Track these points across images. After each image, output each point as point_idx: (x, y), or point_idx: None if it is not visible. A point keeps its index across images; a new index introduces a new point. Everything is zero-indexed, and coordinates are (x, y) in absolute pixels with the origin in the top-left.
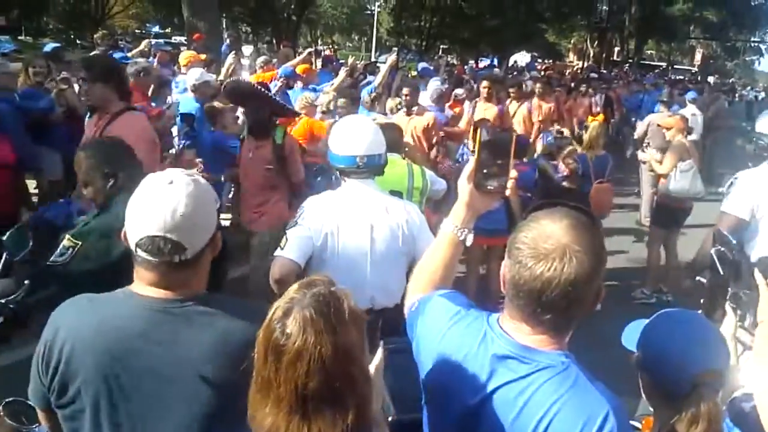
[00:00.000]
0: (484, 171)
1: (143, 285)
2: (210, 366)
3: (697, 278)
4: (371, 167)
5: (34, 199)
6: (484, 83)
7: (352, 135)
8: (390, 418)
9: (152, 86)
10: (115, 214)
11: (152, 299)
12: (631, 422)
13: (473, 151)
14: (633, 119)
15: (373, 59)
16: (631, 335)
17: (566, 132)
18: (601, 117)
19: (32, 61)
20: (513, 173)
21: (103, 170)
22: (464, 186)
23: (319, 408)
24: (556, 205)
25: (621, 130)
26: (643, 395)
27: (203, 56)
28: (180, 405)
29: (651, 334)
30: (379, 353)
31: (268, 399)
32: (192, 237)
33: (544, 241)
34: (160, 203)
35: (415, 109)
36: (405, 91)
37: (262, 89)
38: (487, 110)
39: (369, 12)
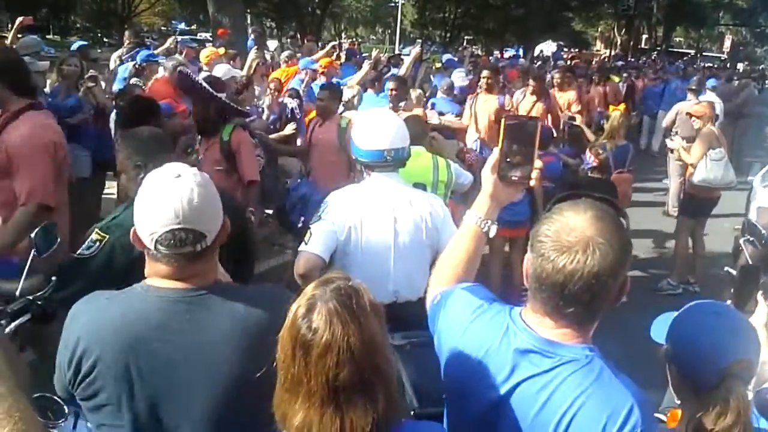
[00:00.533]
0: (508, 160)
1: (159, 279)
2: (230, 351)
3: (726, 268)
4: (397, 160)
5: None
6: (484, 73)
7: (378, 129)
8: (413, 412)
9: None
10: None
11: (170, 290)
12: (656, 415)
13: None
14: (655, 110)
15: (397, 51)
16: (659, 328)
17: (578, 120)
18: (623, 106)
19: (66, 59)
20: (538, 163)
21: (135, 161)
22: (488, 177)
23: (350, 399)
24: (581, 197)
25: (640, 119)
26: (671, 387)
27: (221, 50)
28: (202, 392)
29: (680, 326)
30: None
31: (297, 396)
32: (208, 224)
33: (567, 233)
34: (173, 196)
35: (402, 104)
36: (390, 85)
37: (204, 85)
38: (487, 102)
39: (393, 4)
